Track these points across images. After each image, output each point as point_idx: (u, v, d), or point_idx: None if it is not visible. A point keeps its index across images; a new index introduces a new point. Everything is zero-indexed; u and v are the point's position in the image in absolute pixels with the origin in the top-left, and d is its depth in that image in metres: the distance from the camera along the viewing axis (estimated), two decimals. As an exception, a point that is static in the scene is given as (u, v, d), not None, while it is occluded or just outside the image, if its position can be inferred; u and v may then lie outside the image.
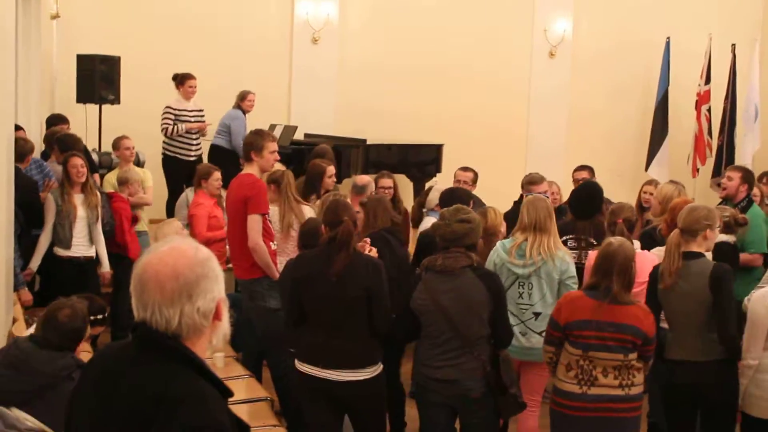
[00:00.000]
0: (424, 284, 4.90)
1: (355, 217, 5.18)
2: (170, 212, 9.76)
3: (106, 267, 7.63)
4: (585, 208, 6.77)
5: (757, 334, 5.04)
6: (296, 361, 5.10)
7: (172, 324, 2.31)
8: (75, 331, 4.35)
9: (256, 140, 6.35)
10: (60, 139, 8.23)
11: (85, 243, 7.43)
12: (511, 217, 7.01)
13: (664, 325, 5.36)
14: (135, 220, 8.24)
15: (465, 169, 8.11)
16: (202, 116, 10.68)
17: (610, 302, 4.71)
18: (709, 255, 5.38)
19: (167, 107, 10.46)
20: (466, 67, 13.60)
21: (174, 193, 10.14)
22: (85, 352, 5.52)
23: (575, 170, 9.02)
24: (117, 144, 9.05)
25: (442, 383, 4.88)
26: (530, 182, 7.83)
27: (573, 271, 5.68)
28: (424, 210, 7.67)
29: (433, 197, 7.37)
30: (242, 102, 11.04)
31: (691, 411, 5.32)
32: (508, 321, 5.10)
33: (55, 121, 9.33)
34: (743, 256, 6.80)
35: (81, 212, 7.36)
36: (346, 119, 12.78)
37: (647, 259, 5.73)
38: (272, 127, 11.14)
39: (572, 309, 4.78)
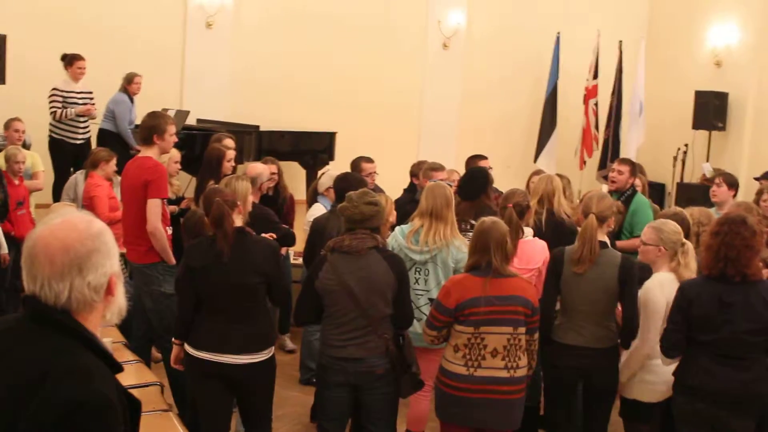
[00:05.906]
0: (330, 264, 4.90)
1: (228, 197, 5.05)
2: (57, 196, 9.54)
3: (4, 248, 7.44)
4: (468, 190, 6.84)
5: (653, 321, 5.10)
6: (187, 347, 5.04)
7: (61, 298, 2.28)
8: None
9: (159, 123, 6.23)
10: None
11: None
12: (401, 204, 7.07)
13: None
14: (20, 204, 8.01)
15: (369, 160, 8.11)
16: (91, 98, 10.43)
17: (494, 276, 4.81)
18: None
19: (54, 89, 10.18)
20: (362, 57, 13.66)
21: (60, 177, 9.90)
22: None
23: (476, 159, 8.86)
24: (8, 125, 8.85)
25: (347, 362, 4.90)
26: (431, 169, 7.83)
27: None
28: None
29: (323, 181, 7.47)
30: (129, 85, 10.82)
31: (573, 393, 5.49)
32: (410, 302, 5.15)
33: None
34: (635, 240, 7.06)
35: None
36: (240, 105, 12.68)
37: (537, 246, 5.86)
38: (164, 111, 10.95)
39: (461, 289, 4.83)
